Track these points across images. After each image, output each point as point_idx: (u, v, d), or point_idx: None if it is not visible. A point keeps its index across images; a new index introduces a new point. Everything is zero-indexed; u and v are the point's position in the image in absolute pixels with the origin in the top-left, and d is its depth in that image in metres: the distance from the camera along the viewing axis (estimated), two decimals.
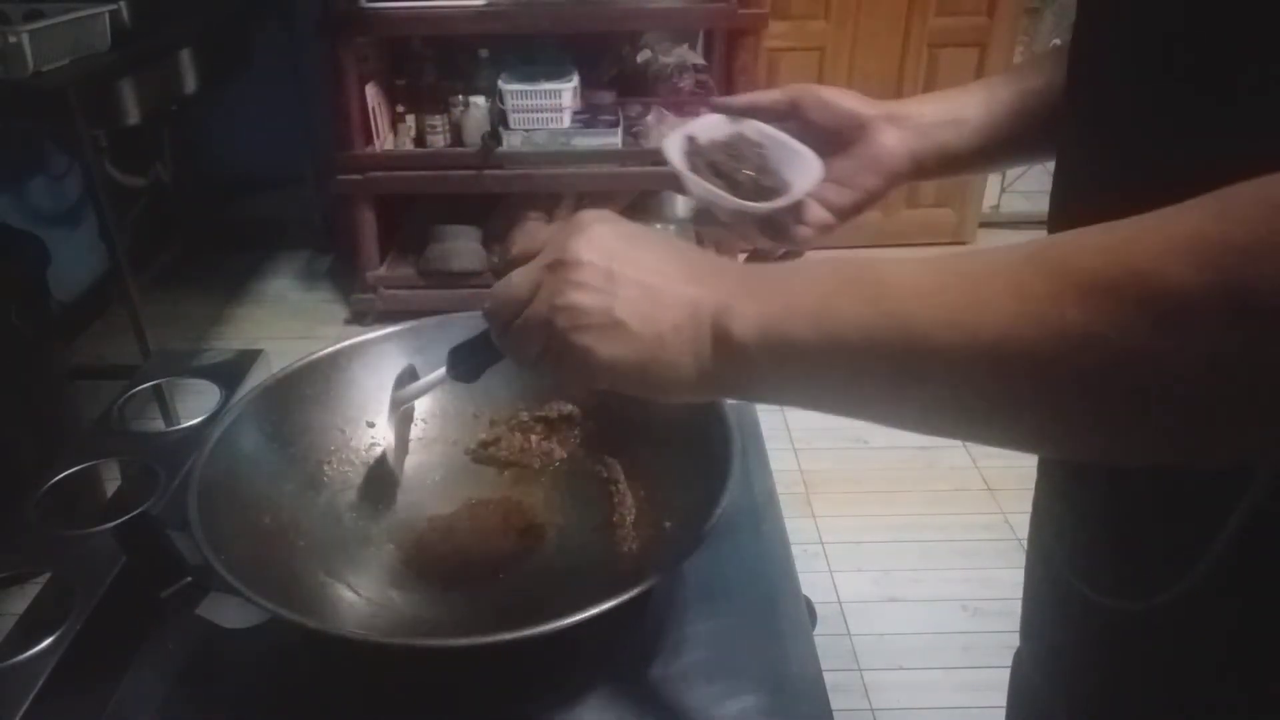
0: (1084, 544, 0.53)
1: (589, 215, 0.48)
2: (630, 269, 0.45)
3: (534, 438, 0.79)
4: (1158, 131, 0.42)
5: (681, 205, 2.72)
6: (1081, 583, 0.53)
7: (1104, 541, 0.51)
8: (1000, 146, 0.63)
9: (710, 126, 0.66)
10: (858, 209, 0.65)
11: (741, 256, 0.68)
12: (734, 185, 0.63)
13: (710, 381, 0.43)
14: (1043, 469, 0.58)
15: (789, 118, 0.66)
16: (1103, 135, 0.46)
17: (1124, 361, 0.31)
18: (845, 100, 0.65)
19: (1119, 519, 0.49)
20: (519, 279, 0.48)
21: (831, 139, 0.64)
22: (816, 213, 0.64)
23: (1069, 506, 0.54)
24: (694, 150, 0.65)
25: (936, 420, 0.39)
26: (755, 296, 0.42)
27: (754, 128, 0.66)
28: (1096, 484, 0.50)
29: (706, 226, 0.67)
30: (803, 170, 0.63)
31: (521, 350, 0.49)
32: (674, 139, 0.65)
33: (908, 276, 0.37)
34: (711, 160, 0.64)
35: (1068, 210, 0.51)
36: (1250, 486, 0.39)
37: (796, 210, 0.63)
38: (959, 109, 0.64)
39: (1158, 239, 0.31)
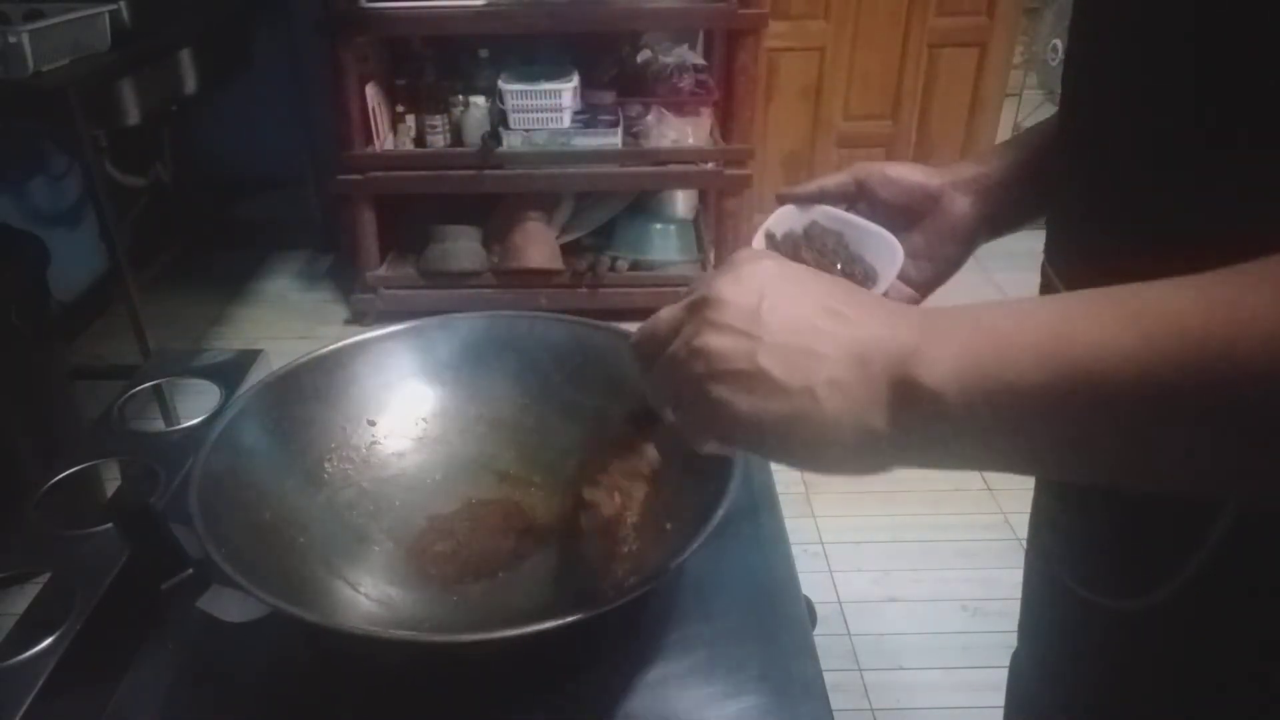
0: (1080, 544, 0.53)
1: (746, 253, 0.43)
2: (781, 311, 0.39)
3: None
4: (1151, 161, 0.42)
5: (681, 205, 2.72)
6: (1078, 583, 0.53)
7: (1100, 541, 0.51)
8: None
9: (784, 219, 0.66)
10: (939, 280, 0.65)
11: None
12: None
13: (879, 445, 0.37)
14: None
15: (858, 199, 0.65)
16: (1095, 164, 0.47)
17: None
18: (911, 174, 0.64)
19: (1114, 518, 0.49)
20: (665, 315, 0.44)
21: (903, 214, 0.64)
22: (902, 291, 0.64)
23: (1065, 506, 0.55)
24: (774, 247, 0.65)
25: (1197, 471, 0.33)
26: (949, 338, 0.35)
27: (825, 213, 0.66)
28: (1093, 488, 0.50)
29: None
30: (884, 253, 0.63)
31: (658, 395, 0.44)
32: (757, 240, 0.65)
33: (1164, 292, 0.32)
34: (796, 257, 0.63)
35: (1063, 244, 0.52)
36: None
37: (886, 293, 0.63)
38: (1016, 166, 0.63)
39: None
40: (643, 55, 2.66)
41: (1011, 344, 0.34)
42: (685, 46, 2.71)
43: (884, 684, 1.63)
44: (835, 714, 0.59)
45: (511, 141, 2.49)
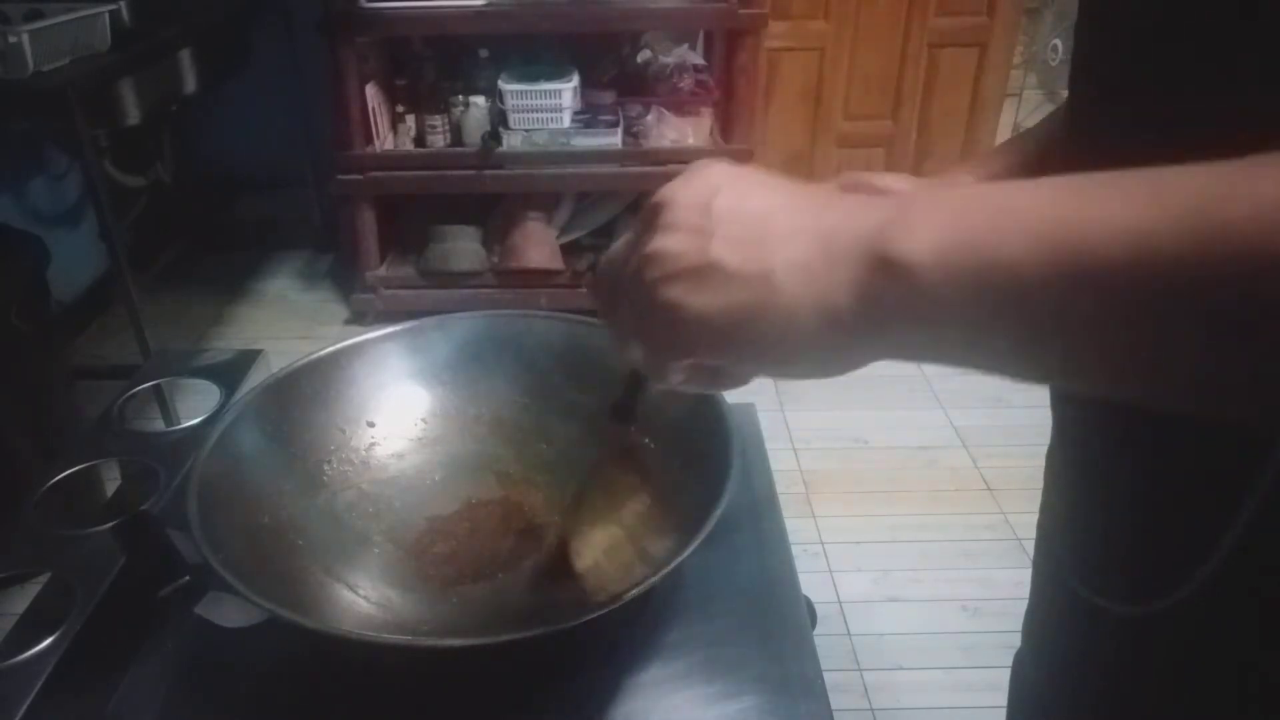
0: (1091, 549, 0.53)
1: (703, 160, 0.39)
2: (735, 202, 0.36)
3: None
4: (1158, 148, 0.42)
5: None
6: (1087, 588, 0.53)
7: (1110, 547, 0.51)
8: None
9: None
10: None
11: None
12: None
13: (844, 331, 0.33)
14: (1051, 472, 0.58)
15: None
16: (1102, 151, 0.46)
17: None
18: (899, 185, 0.63)
19: (1125, 524, 0.49)
20: (620, 240, 0.40)
21: None
22: None
23: (1076, 509, 0.54)
24: None
25: (1192, 373, 0.30)
26: (932, 210, 0.32)
27: None
28: (1103, 486, 0.50)
29: None
30: None
31: (618, 327, 0.40)
32: None
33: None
34: None
35: None
36: (1253, 490, 0.39)
37: None
38: (1010, 170, 0.61)
39: None
40: (643, 55, 2.66)
41: (1004, 216, 0.31)
42: (685, 46, 2.71)
43: (884, 684, 1.63)
44: (835, 714, 0.59)
45: (511, 141, 2.49)
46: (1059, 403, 0.54)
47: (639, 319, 0.38)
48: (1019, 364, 0.33)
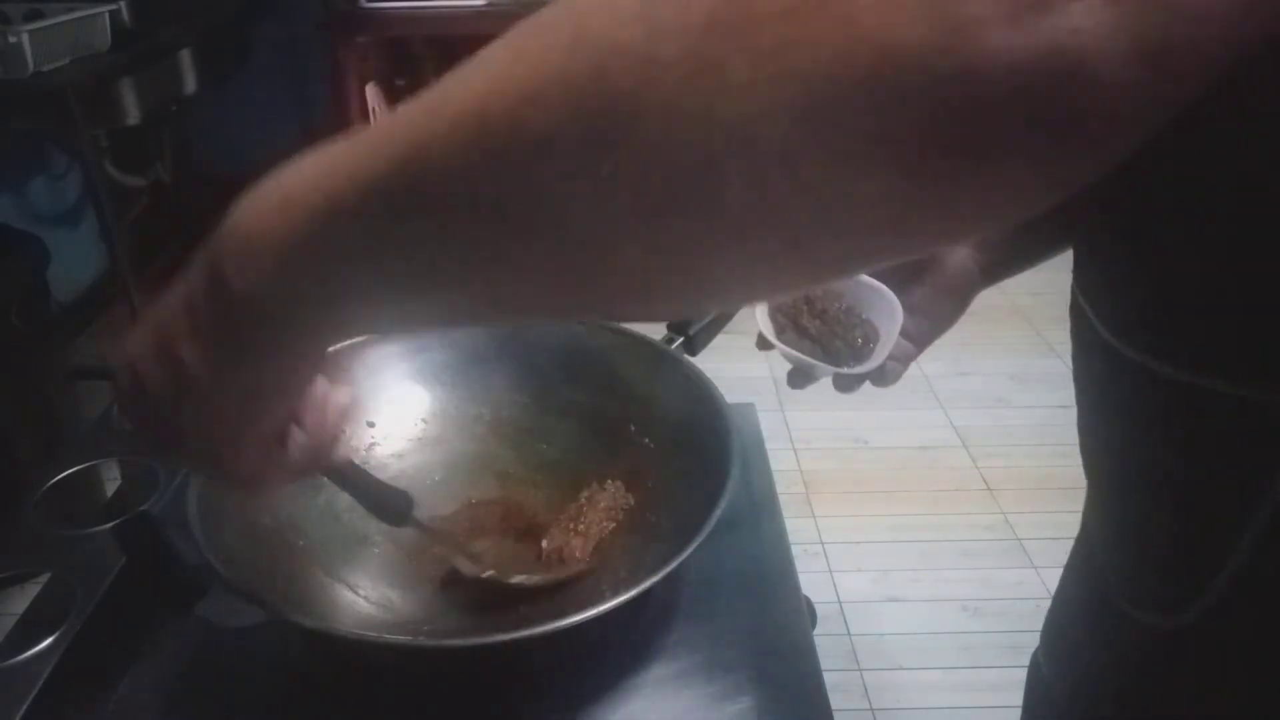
0: (1133, 555, 0.53)
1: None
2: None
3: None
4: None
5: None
6: (1120, 597, 0.52)
7: (1144, 553, 0.50)
8: (1050, 238, 0.62)
9: None
10: (936, 333, 0.66)
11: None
12: (828, 348, 0.64)
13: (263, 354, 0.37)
14: (1091, 475, 0.57)
15: None
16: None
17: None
18: None
19: (1153, 534, 0.49)
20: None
21: (905, 268, 0.64)
22: (902, 347, 0.65)
23: (1110, 517, 0.54)
24: (777, 309, 0.66)
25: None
26: (254, 234, 0.37)
27: None
28: (1135, 493, 0.50)
29: (801, 385, 0.68)
30: (885, 311, 0.64)
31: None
32: (761, 307, 0.66)
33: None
34: (798, 324, 0.65)
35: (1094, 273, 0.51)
36: (1265, 501, 0.39)
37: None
38: None
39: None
40: None
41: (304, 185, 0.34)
42: None
43: (884, 684, 1.63)
44: (835, 714, 0.59)
45: None
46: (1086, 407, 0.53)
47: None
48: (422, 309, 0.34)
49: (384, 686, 0.60)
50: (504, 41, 0.28)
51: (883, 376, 0.65)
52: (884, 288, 0.64)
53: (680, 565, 0.57)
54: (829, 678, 0.61)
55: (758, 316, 0.65)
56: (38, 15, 1.88)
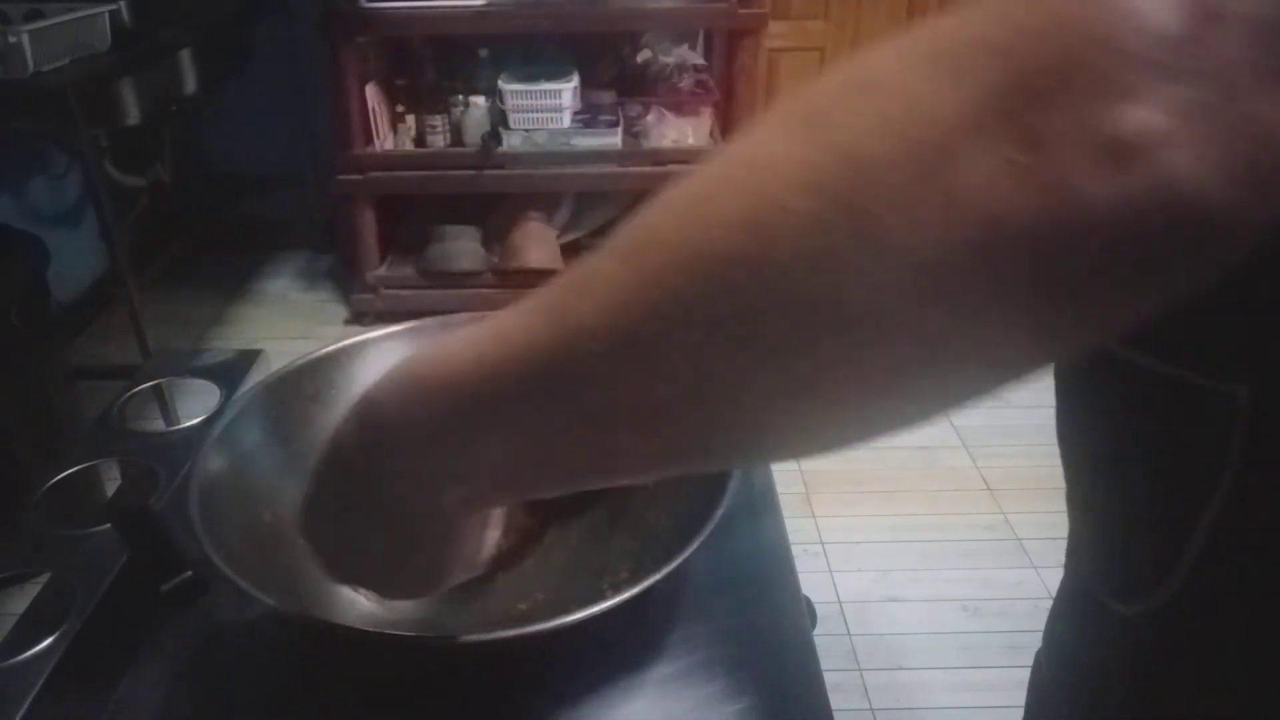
0: (1097, 548, 0.53)
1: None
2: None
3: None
4: None
5: None
6: (1095, 584, 0.53)
7: (1111, 541, 0.51)
8: None
9: None
10: None
11: None
12: None
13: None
14: (1064, 463, 0.58)
15: None
16: None
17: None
18: None
19: (1117, 521, 0.49)
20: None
21: None
22: None
23: (1080, 504, 0.54)
24: None
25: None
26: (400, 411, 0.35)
27: None
28: (1101, 478, 0.50)
29: None
30: None
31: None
32: None
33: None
34: None
35: None
36: (1219, 489, 0.39)
37: None
38: None
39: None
40: (643, 55, 2.66)
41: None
42: (685, 46, 2.71)
43: (884, 684, 1.63)
44: (835, 714, 0.59)
45: (511, 141, 2.49)
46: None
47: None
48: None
49: (384, 685, 0.60)
50: (645, 225, 0.28)
51: None
52: None
53: (680, 565, 0.57)
54: (829, 678, 0.61)
55: None
56: (38, 15, 1.89)
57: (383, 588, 0.43)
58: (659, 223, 0.27)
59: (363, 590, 0.44)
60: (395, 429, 0.34)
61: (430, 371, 0.34)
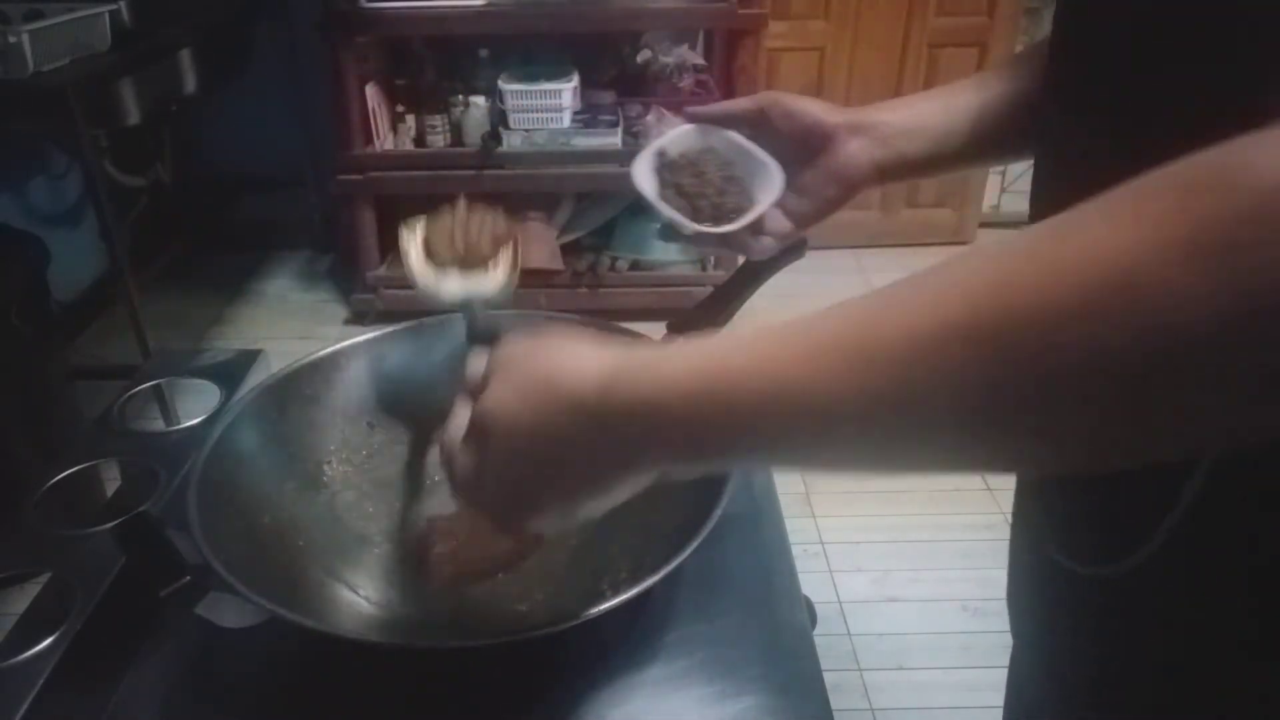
0: (1061, 510, 0.53)
1: (500, 366, 0.47)
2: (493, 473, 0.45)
3: None
4: (1141, 119, 0.42)
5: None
6: (1062, 553, 0.53)
7: (1078, 505, 0.51)
8: (958, 153, 0.65)
9: (681, 138, 0.68)
10: (819, 216, 0.66)
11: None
12: (695, 207, 0.65)
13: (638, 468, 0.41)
14: None
15: (760, 126, 0.67)
16: (1085, 125, 0.46)
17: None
18: (810, 109, 0.65)
19: (1089, 480, 0.49)
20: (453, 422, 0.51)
21: (799, 148, 0.65)
22: (777, 223, 0.65)
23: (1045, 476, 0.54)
24: (664, 165, 0.67)
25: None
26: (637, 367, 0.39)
27: (724, 139, 0.67)
28: None
29: (673, 240, 0.69)
30: (766, 185, 0.65)
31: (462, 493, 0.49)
32: (645, 157, 0.67)
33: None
34: (678, 181, 0.66)
35: (1048, 205, 0.51)
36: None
37: (757, 222, 0.64)
38: (920, 116, 0.65)
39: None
40: (643, 55, 2.66)
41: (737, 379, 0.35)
42: (685, 46, 2.71)
43: (884, 684, 1.63)
44: (835, 714, 0.59)
45: (511, 141, 2.49)
46: None
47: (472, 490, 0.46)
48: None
49: (383, 687, 0.60)
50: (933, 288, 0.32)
51: (747, 247, 0.66)
52: (774, 162, 0.65)
53: (680, 565, 0.57)
54: (829, 678, 0.61)
55: (638, 175, 0.66)
56: (38, 15, 1.89)
57: (530, 517, 0.45)
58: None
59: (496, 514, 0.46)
60: (662, 418, 0.37)
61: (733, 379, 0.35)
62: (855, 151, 0.64)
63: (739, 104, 0.68)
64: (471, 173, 2.51)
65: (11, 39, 1.77)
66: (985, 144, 0.64)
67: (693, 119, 0.68)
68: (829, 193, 0.65)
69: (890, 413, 0.32)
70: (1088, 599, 0.52)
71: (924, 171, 0.66)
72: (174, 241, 2.94)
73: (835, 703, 0.59)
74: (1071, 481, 0.51)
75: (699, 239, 0.65)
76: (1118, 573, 0.47)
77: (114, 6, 2.05)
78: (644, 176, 0.66)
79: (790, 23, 2.82)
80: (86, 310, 2.58)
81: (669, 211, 0.65)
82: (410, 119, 2.56)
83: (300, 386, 0.75)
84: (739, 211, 0.64)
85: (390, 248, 2.76)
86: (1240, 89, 0.36)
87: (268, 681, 0.62)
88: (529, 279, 2.60)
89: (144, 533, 0.61)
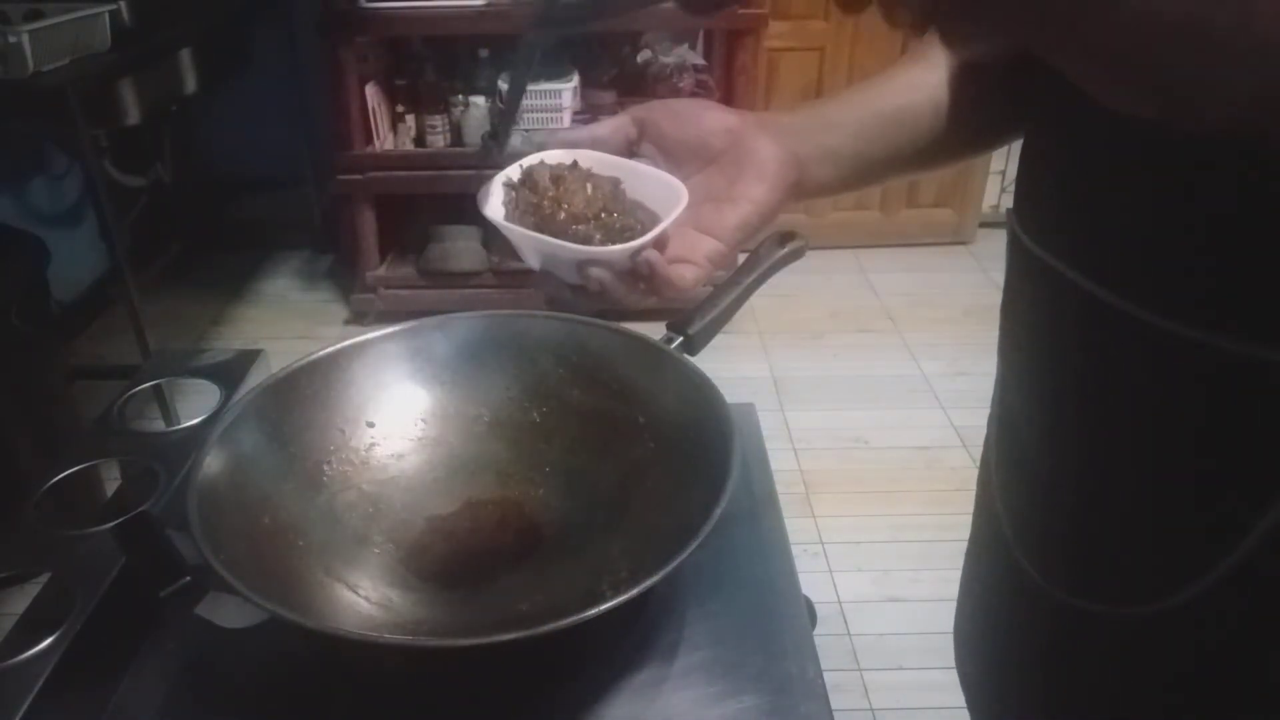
0: (1076, 552, 0.52)
1: None
2: None
3: None
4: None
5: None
6: (1070, 593, 0.52)
7: (1102, 548, 0.50)
8: (886, 149, 0.60)
9: (545, 163, 0.62)
10: (748, 226, 0.57)
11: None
12: (578, 232, 0.56)
13: None
14: (1030, 485, 0.57)
15: (640, 141, 0.60)
16: (1073, 108, 0.46)
17: None
18: (696, 107, 0.59)
19: (1118, 524, 0.49)
20: None
21: (695, 153, 0.59)
22: (700, 245, 0.56)
23: (1056, 515, 0.54)
24: (513, 195, 0.60)
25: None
26: None
27: (598, 160, 0.60)
28: (1104, 497, 0.50)
29: (556, 291, 0.58)
30: (665, 195, 0.57)
31: None
32: (493, 187, 0.60)
33: None
34: (539, 205, 0.58)
35: (1032, 194, 0.51)
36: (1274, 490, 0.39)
37: (673, 248, 0.56)
38: (828, 113, 0.60)
39: None
40: (643, 55, 2.66)
41: None
42: (685, 46, 2.71)
43: (884, 684, 1.63)
44: (835, 714, 0.59)
45: (512, 141, 2.49)
46: (1050, 426, 0.53)
47: None
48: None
49: (384, 686, 0.60)
50: None
51: (672, 282, 0.55)
52: (664, 173, 0.58)
53: (680, 565, 0.57)
54: (829, 678, 0.61)
55: (485, 205, 0.58)
56: (38, 15, 1.89)
57: None
58: None
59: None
60: None
61: None
62: (770, 144, 0.57)
63: (607, 125, 0.61)
64: (471, 173, 2.50)
65: (11, 39, 1.77)
66: (923, 129, 0.59)
67: (553, 145, 0.62)
68: (753, 193, 0.56)
69: None
70: (1091, 636, 0.51)
71: (854, 166, 0.60)
72: (174, 241, 2.94)
73: (835, 703, 0.59)
74: (1094, 522, 0.50)
75: (593, 268, 0.55)
76: (1144, 614, 0.47)
77: (114, 6, 2.05)
78: (493, 208, 0.58)
79: (790, 23, 2.82)
80: (86, 310, 2.58)
81: (538, 237, 0.56)
82: (410, 119, 2.56)
83: (300, 386, 0.75)
84: (632, 230, 0.56)
85: (390, 248, 2.76)
86: None
87: (268, 681, 0.62)
88: (529, 279, 2.60)
89: (144, 533, 0.61)
